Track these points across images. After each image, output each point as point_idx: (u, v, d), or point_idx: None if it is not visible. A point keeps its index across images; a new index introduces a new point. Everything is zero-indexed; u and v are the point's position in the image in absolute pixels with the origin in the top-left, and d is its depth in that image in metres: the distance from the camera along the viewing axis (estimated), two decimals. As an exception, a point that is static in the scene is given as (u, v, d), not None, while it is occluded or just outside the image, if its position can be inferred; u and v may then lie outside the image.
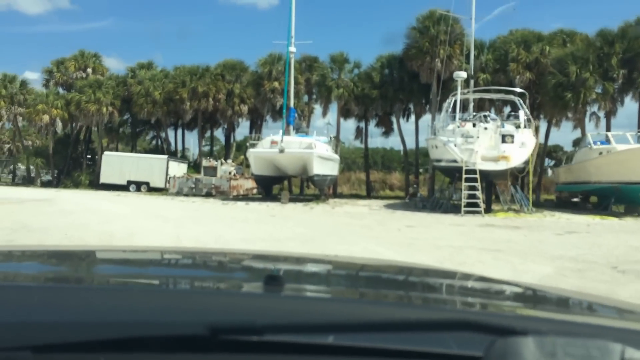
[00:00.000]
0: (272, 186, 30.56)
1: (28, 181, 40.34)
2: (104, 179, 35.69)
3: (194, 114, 37.40)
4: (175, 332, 0.84)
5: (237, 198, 29.32)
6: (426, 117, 32.69)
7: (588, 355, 0.73)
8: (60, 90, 40.56)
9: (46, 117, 37.97)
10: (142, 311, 0.93)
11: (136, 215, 16.95)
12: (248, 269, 1.84)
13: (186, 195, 30.27)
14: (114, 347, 0.81)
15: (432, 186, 28.81)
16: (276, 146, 25.33)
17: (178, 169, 35.67)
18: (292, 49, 28.91)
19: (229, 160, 35.74)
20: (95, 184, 36.16)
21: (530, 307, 1.37)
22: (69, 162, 40.61)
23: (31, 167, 41.32)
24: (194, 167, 38.36)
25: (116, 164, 35.54)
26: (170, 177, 32.28)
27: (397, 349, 0.82)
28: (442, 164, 22.42)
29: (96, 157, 40.44)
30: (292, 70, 29.13)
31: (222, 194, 29.91)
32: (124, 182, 35.07)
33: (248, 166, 31.29)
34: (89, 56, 40.68)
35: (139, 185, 34.93)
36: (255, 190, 34.41)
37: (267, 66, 33.74)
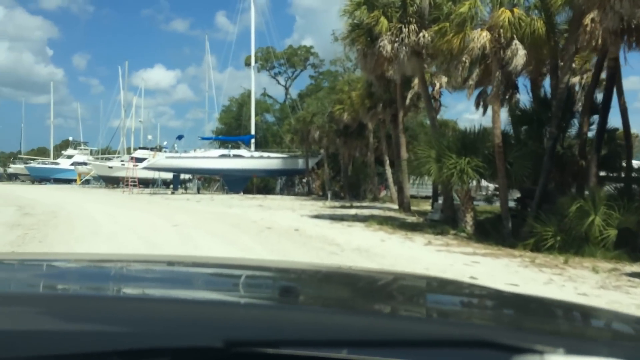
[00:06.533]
0: None
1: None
2: None
3: None
4: (189, 343, 0.83)
5: None
6: None
7: None
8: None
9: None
10: (155, 322, 0.92)
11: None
12: (263, 279, 1.78)
13: None
14: (127, 358, 0.80)
15: None
16: None
17: None
18: None
19: None
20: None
21: (546, 323, 1.33)
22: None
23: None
24: None
25: None
26: None
27: None
28: None
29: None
30: None
31: None
32: None
33: None
34: None
35: None
36: None
37: None
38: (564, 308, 1.56)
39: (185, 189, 46.94)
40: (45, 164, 71.74)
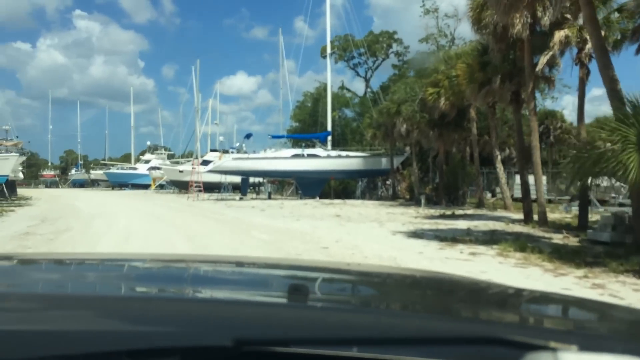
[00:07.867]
0: None
1: None
2: None
3: None
4: (199, 342, 0.83)
5: None
6: None
7: None
8: None
9: None
10: (164, 321, 0.91)
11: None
12: (272, 278, 1.75)
13: None
14: (137, 357, 0.80)
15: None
16: None
17: None
18: None
19: None
20: None
21: (560, 320, 1.31)
22: None
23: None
24: None
25: None
26: None
27: None
28: None
29: None
30: None
31: None
32: None
33: None
34: None
35: None
36: None
37: None
38: (578, 304, 1.49)
39: (257, 193, 42.51)
40: (123, 169, 70.81)
